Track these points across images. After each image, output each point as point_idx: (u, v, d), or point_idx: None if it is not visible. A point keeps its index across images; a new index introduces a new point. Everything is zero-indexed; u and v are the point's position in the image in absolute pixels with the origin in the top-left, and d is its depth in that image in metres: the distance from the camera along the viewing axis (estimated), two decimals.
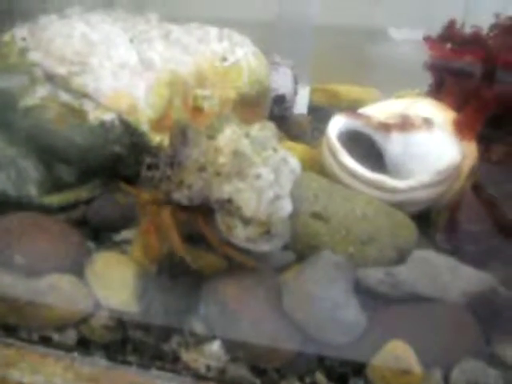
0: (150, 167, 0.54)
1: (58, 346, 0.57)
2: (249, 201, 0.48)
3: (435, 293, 0.48)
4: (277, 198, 0.50)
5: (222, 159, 0.49)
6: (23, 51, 0.58)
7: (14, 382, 0.54)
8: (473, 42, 0.63)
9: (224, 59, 0.68)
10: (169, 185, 0.50)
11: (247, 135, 0.53)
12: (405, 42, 1.29)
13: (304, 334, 0.49)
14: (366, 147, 0.65)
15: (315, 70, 1.06)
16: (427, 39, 0.70)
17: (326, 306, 0.47)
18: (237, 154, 0.50)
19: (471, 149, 0.60)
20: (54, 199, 0.63)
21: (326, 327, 0.48)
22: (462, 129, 0.57)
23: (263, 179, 0.49)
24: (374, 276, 0.50)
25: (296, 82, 0.86)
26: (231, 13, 1.01)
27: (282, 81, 0.82)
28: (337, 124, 0.62)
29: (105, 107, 0.57)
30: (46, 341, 0.57)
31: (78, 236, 0.57)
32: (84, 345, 0.57)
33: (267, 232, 0.49)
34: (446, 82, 0.61)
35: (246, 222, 0.48)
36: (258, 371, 0.54)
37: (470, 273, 0.50)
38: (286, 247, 0.57)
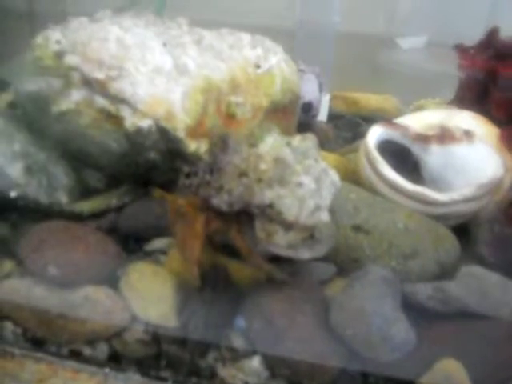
0: (188, 175, 0.52)
1: (89, 361, 0.55)
2: (291, 206, 0.46)
3: (486, 309, 0.47)
4: (317, 208, 0.49)
5: (263, 166, 0.48)
6: (59, 54, 0.55)
7: None
8: None
9: (257, 66, 0.66)
10: (208, 190, 0.49)
11: (289, 144, 0.52)
12: (412, 50, 1.29)
13: (351, 350, 0.48)
14: (400, 158, 0.64)
15: (333, 78, 1.04)
16: (459, 48, 0.69)
17: (376, 322, 0.45)
18: (278, 161, 0.48)
19: None
20: (85, 206, 0.61)
21: (375, 344, 0.46)
22: (508, 143, 0.55)
23: (305, 188, 0.47)
24: (424, 291, 0.48)
25: (321, 89, 0.84)
26: (252, 19, 0.99)
27: (308, 88, 0.80)
28: (375, 134, 0.60)
29: (142, 113, 0.55)
30: (76, 355, 0.55)
31: (114, 246, 0.54)
32: (116, 360, 0.55)
33: (311, 237, 0.47)
34: (494, 96, 0.59)
35: (288, 227, 0.46)
36: None
37: None
38: (326, 259, 0.56)
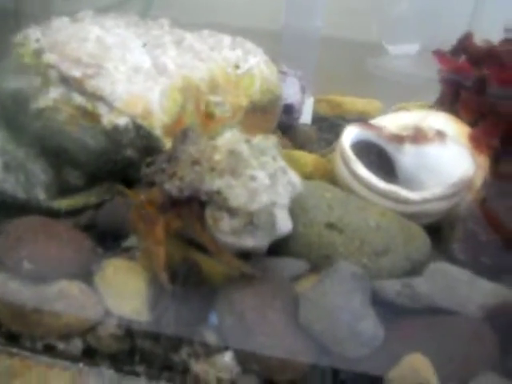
0: (148, 164, 0.53)
1: (63, 356, 0.55)
2: (238, 195, 0.46)
3: (453, 306, 0.47)
4: (272, 204, 0.49)
5: (217, 156, 0.48)
6: (38, 52, 0.56)
7: None
8: (488, 57, 0.62)
9: (237, 67, 0.66)
10: (162, 177, 0.49)
11: (247, 141, 0.52)
12: (401, 56, 1.30)
13: (320, 346, 0.48)
14: (376, 159, 0.64)
15: (320, 82, 1.05)
16: (437, 53, 0.70)
17: (345, 318, 0.45)
18: (233, 153, 0.48)
19: (483, 162, 0.60)
20: (63, 203, 0.61)
21: (344, 339, 0.46)
22: (477, 143, 0.56)
23: (258, 181, 0.47)
24: (392, 288, 0.48)
25: (303, 91, 0.85)
26: (236, 21, 0.99)
27: (290, 90, 0.81)
28: (350, 134, 0.61)
29: (119, 111, 0.55)
30: (50, 350, 0.54)
31: (88, 242, 0.54)
32: (90, 355, 0.54)
33: (250, 222, 0.47)
34: (461, 96, 0.60)
35: (233, 213, 0.46)
36: None
37: (487, 286, 0.49)
38: (299, 256, 0.56)
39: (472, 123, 0.60)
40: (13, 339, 0.54)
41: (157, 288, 0.51)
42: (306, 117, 0.95)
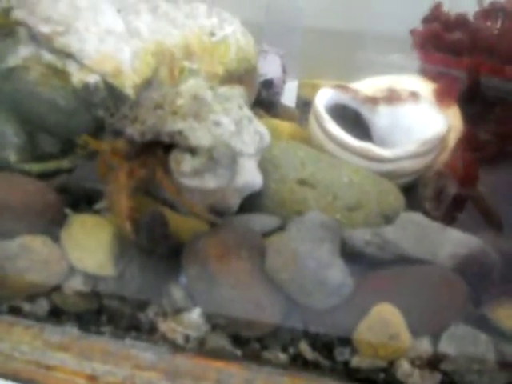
0: (112, 115, 0.51)
1: (28, 317, 0.52)
2: (200, 135, 0.45)
3: (423, 254, 0.45)
4: (239, 153, 0.47)
5: (180, 101, 0.47)
6: (7, 11, 0.55)
7: None
8: (458, 24, 0.62)
9: (212, 34, 0.65)
10: (124, 122, 0.48)
11: (212, 88, 0.50)
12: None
13: (288, 298, 0.45)
14: (350, 123, 0.63)
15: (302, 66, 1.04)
16: (412, 31, 0.69)
17: (311, 266, 0.43)
18: (196, 98, 0.47)
19: (457, 122, 0.58)
20: (34, 167, 0.59)
21: (311, 288, 0.44)
22: (441, 97, 0.55)
23: (223, 127, 0.46)
24: (361, 237, 0.46)
25: (285, 70, 0.84)
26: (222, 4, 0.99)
27: (270, 67, 0.80)
28: (324, 96, 0.59)
29: (89, 69, 0.54)
30: (15, 311, 0.52)
31: (54, 196, 0.52)
32: (56, 315, 0.52)
33: (211, 157, 0.45)
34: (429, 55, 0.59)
35: (194, 153, 0.45)
36: (240, 341, 0.49)
37: (458, 235, 0.46)
38: (270, 212, 0.54)
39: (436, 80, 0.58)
40: None
41: (122, 241, 0.50)
42: (290, 101, 0.94)
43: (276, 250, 0.45)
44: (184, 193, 0.47)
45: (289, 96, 0.93)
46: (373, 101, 0.59)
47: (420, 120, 0.57)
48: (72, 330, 0.51)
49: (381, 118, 0.59)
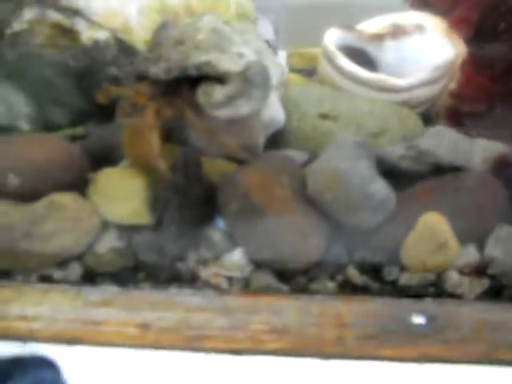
0: (131, 63, 0.49)
1: (61, 283, 0.49)
2: (228, 62, 0.43)
3: (458, 160, 0.45)
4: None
5: (200, 35, 0.45)
6: None
7: (16, 316, 0.46)
8: None
9: None
10: (146, 64, 0.46)
11: (226, 23, 0.49)
12: None
13: (333, 220, 0.44)
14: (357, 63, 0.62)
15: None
16: None
17: (355, 181, 0.42)
18: (215, 31, 0.46)
19: (463, 48, 0.59)
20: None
21: (356, 205, 0.43)
22: (456, 27, 0.55)
23: (245, 58, 0.44)
24: (396, 152, 0.46)
25: (277, 33, 0.83)
26: None
27: (263, 29, 0.79)
28: (332, 36, 0.59)
29: (98, 25, 0.52)
30: (45, 280, 0.49)
31: (79, 150, 0.50)
32: (90, 278, 0.49)
33: (244, 80, 0.43)
34: None
35: (225, 80, 0.43)
36: (285, 277, 0.48)
37: (485, 142, 0.47)
38: (296, 148, 0.53)
39: (446, 13, 0.59)
40: (2, 275, 0.49)
41: (154, 187, 0.47)
42: None
43: (316, 172, 0.44)
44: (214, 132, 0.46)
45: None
46: (378, 37, 0.59)
47: (428, 50, 0.57)
48: (111, 288, 0.48)
49: (388, 54, 0.59)
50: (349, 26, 0.60)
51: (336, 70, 0.56)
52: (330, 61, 0.57)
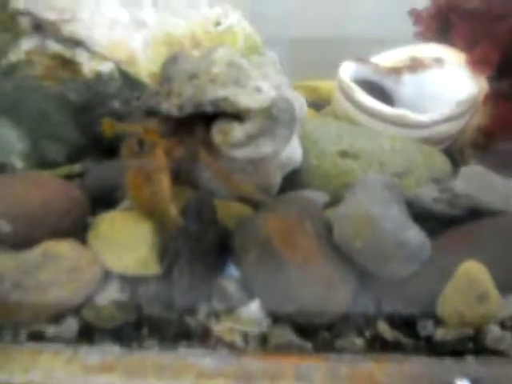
0: (138, 97, 0.45)
1: (55, 341, 0.43)
2: (247, 98, 0.39)
3: (497, 203, 0.41)
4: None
5: (216, 69, 0.41)
6: (3, 4, 0.49)
7: None
8: None
9: (218, 23, 0.61)
10: (157, 99, 0.41)
11: (243, 56, 0.46)
12: None
13: (361, 269, 0.40)
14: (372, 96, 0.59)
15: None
16: (412, 12, 0.67)
17: (388, 227, 0.38)
18: (232, 64, 0.42)
19: (484, 84, 0.56)
20: (44, 173, 0.52)
21: (390, 252, 0.38)
22: (476, 65, 0.52)
23: (264, 94, 0.41)
24: (429, 194, 0.41)
25: (283, 67, 0.81)
26: None
27: None
28: (347, 69, 0.56)
29: (101, 56, 0.49)
30: (36, 337, 0.43)
31: (79, 192, 0.44)
32: (88, 334, 0.43)
33: (269, 117, 0.39)
34: (455, 26, 0.57)
35: (244, 117, 0.39)
36: (307, 333, 0.42)
37: None
38: (317, 188, 0.49)
39: (466, 49, 0.56)
40: None
41: (163, 232, 0.42)
42: None
43: (345, 216, 0.39)
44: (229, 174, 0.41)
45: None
46: (396, 71, 0.56)
47: (447, 84, 0.54)
48: (112, 349, 0.42)
49: (406, 88, 0.56)
50: (364, 59, 0.58)
51: (353, 104, 0.53)
52: (347, 95, 0.54)
